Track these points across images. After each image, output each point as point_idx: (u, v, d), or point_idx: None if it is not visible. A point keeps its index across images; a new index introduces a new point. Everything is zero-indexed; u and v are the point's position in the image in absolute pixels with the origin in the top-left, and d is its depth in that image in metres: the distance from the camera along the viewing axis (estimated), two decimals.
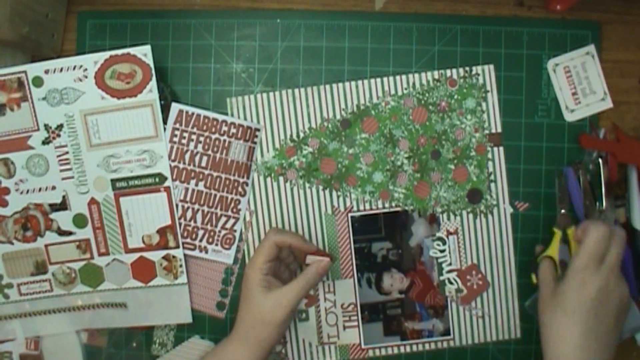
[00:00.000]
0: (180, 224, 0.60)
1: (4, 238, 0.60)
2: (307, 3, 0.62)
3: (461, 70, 0.61)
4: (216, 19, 0.62)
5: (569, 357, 0.50)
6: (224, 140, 0.60)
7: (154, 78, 0.58)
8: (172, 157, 0.60)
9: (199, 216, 0.61)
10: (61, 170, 0.59)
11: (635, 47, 0.63)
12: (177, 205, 0.60)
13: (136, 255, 0.60)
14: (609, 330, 0.51)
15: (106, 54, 0.57)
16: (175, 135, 0.60)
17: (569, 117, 0.62)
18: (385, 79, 0.62)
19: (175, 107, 0.60)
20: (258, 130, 0.61)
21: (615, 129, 0.61)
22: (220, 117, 0.60)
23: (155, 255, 0.60)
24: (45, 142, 0.58)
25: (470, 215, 0.62)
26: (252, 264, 0.55)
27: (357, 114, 0.61)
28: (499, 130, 0.62)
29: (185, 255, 0.60)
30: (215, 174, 0.61)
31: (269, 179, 0.62)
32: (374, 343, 0.62)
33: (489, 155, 0.62)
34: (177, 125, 0.60)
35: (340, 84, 0.62)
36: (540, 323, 0.53)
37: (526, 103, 0.62)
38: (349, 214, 0.62)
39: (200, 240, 0.61)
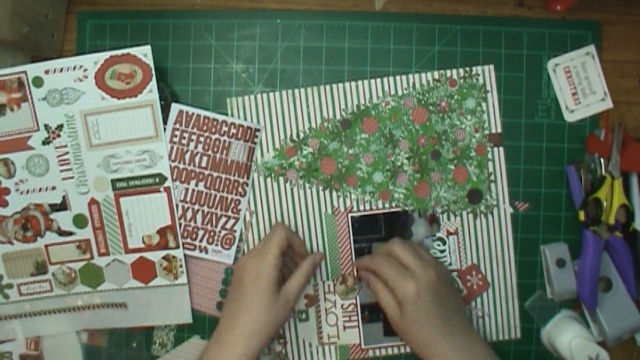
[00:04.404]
0: (180, 224, 0.60)
1: (4, 238, 0.60)
2: (307, 3, 0.62)
3: (461, 70, 0.61)
4: (216, 19, 0.62)
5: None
6: (224, 141, 0.60)
7: (154, 78, 0.58)
8: (172, 157, 0.60)
9: (199, 216, 0.61)
10: (61, 171, 0.59)
11: (635, 47, 0.63)
12: (177, 206, 0.60)
13: (136, 256, 0.60)
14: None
15: (106, 54, 0.57)
16: (176, 136, 0.60)
17: (569, 118, 0.62)
18: (385, 79, 0.62)
19: (175, 107, 0.60)
20: (258, 130, 0.61)
21: (623, 132, 0.60)
22: (220, 117, 0.60)
23: (155, 256, 0.60)
24: (45, 142, 0.58)
25: (470, 216, 0.62)
26: (264, 260, 0.53)
27: (357, 114, 0.61)
28: (499, 130, 0.62)
29: (185, 255, 0.60)
30: (215, 174, 0.60)
31: (269, 179, 0.62)
32: (374, 343, 0.62)
33: (489, 156, 0.62)
34: (177, 126, 0.60)
35: (340, 84, 0.61)
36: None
37: (526, 103, 0.62)
38: (349, 214, 0.62)
39: (201, 241, 0.61)
